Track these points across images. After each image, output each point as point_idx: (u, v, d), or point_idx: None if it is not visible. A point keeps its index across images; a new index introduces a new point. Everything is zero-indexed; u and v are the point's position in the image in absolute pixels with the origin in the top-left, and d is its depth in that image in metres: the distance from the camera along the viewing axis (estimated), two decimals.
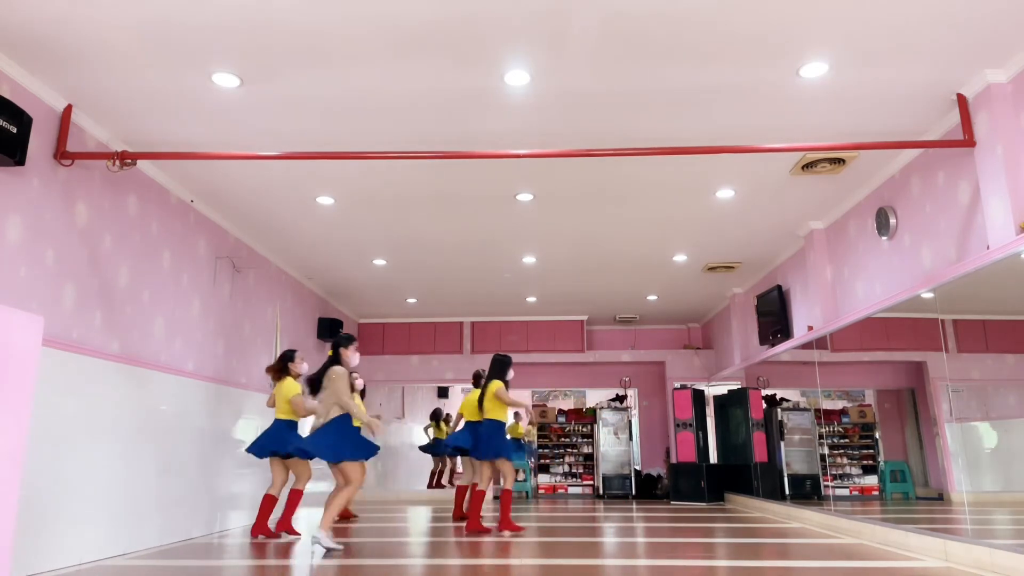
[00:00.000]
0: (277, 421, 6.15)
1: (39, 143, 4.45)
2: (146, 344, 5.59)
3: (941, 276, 4.67)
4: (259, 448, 6.06)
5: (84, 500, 4.63)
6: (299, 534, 6.18)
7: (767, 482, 8.49)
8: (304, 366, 6.40)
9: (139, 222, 5.55)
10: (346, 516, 7.70)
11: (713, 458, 10.65)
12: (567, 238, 7.69)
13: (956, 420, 4.85)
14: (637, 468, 11.73)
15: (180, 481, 5.88)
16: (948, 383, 4.88)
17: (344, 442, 5.20)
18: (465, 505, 7.30)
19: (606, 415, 11.78)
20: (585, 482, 11.74)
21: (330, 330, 9.94)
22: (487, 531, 6.14)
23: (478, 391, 7.01)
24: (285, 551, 5.21)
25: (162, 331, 5.83)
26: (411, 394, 14.44)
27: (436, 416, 11.94)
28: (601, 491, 11.34)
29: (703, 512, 8.41)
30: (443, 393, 17.62)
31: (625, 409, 11.85)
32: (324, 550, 5.02)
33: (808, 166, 5.77)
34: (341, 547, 5.11)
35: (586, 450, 11.90)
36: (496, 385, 6.29)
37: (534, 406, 14.43)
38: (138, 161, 5.29)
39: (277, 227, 7.27)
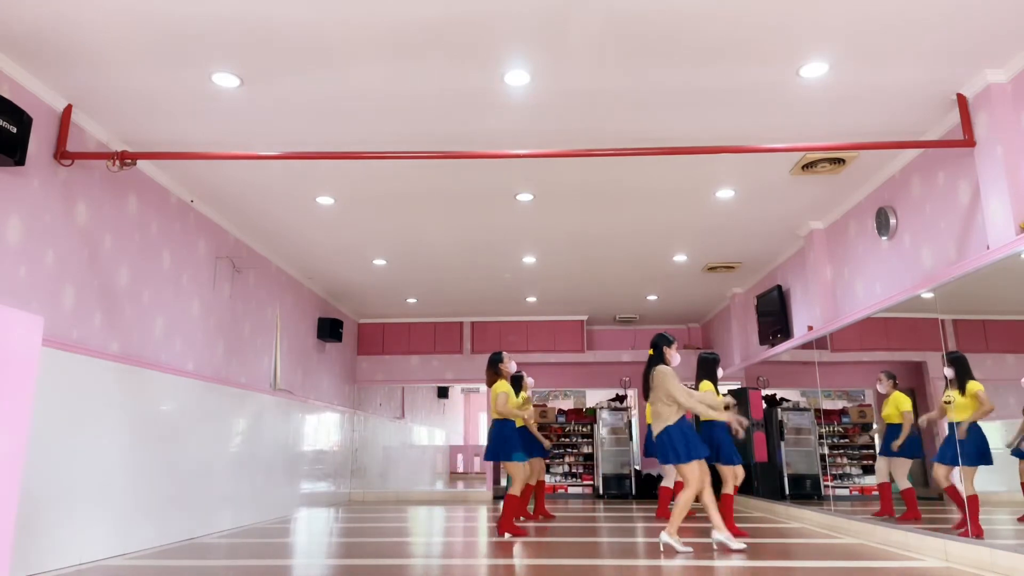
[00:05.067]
0: (509, 422, 6.14)
1: (39, 143, 4.44)
2: (146, 344, 5.59)
3: (941, 276, 4.67)
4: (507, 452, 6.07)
5: (84, 500, 4.63)
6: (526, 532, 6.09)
7: (767, 482, 8.49)
8: (512, 365, 6.37)
9: (139, 222, 5.55)
10: (526, 516, 7.37)
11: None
12: (567, 238, 7.69)
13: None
14: (637, 468, 11.72)
15: (180, 481, 5.87)
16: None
17: (678, 444, 4.98)
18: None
19: (606, 415, 11.77)
20: (585, 482, 11.72)
21: (330, 330, 9.93)
22: (744, 533, 5.81)
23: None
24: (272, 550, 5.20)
25: (162, 331, 5.83)
26: (411, 394, 14.45)
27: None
28: (601, 491, 11.33)
29: (703, 512, 8.40)
30: (443, 393, 17.57)
31: (625, 409, 11.84)
32: (675, 552, 4.89)
33: (808, 166, 5.77)
34: (690, 549, 4.92)
35: (586, 450, 11.89)
36: (706, 386, 6.20)
37: (534, 405, 14.40)
38: (138, 161, 5.29)
39: (277, 227, 7.27)
